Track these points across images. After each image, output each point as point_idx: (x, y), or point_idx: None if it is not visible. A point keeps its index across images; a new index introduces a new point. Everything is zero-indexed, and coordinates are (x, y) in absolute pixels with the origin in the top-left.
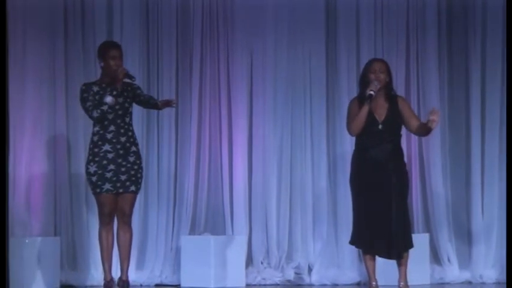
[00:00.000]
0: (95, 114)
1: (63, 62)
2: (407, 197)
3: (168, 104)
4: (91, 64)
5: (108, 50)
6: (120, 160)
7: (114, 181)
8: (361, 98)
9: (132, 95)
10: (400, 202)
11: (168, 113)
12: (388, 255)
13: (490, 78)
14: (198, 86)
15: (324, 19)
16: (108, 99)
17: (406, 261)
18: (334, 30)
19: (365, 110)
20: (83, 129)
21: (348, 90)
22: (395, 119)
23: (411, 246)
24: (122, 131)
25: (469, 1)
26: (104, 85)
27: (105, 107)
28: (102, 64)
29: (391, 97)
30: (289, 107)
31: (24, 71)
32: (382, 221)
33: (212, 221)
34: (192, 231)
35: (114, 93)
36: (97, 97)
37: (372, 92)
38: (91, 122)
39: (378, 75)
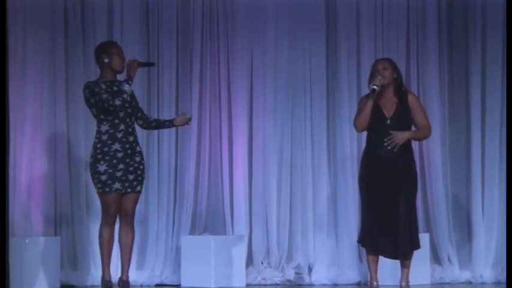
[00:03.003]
0: (117, 102)
1: (64, 62)
2: (415, 197)
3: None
4: (91, 64)
5: (111, 46)
6: (128, 160)
7: (123, 180)
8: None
9: (134, 102)
10: (408, 202)
11: (168, 112)
12: (394, 256)
13: (490, 77)
14: (198, 86)
15: (324, 19)
16: (126, 87)
17: (410, 262)
18: (334, 30)
19: (369, 105)
20: (84, 129)
21: (349, 90)
22: (404, 115)
23: (418, 247)
24: (130, 130)
25: (469, 1)
26: (108, 83)
27: (124, 95)
28: (106, 60)
29: (401, 93)
30: (290, 106)
31: (24, 71)
32: (388, 221)
33: (212, 221)
34: (192, 231)
35: (130, 82)
36: (108, 90)
37: (375, 87)
38: (92, 121)
39: (382, 73)
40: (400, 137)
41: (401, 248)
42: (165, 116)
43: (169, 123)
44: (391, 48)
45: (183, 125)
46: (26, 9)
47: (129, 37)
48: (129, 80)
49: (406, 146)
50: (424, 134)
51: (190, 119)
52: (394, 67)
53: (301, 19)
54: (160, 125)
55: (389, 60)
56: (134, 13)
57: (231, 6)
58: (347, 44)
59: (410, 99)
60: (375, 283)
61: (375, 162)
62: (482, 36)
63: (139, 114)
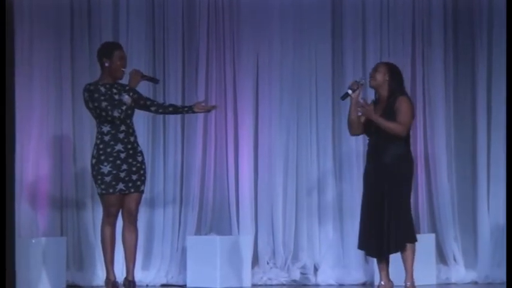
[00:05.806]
0: (116, 114)
1: (70, 62)
2: (402, 198)
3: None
4: (97, 64)
5: (114, 50)
6: (130, 160)
7: (127, 181)
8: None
9: (136, 96)
10: (392, 204)
11: None
12: (377, 256)
13: (496, 78)
14: (204, 86)
15: (330, 19)
16: (126, 98)
17: (412, 262)
18: (340, 31)
19: (350, 109)
20: (89, 130)
21: None
22: (387, 119)
23: (399, 249)
24: (131, 131)
25: (475, 3)
26: (108, 85)
27: (124, 107)
28: (107, 64)
29: (392, 99)
30: (295, 107)
31: (30, 71)
32: (373, 222)
33: (218, 221)
34: (198, 231)
35: (131, 94)
36: (107, 97)
37: (348, 91)
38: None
39: (373, 75)
40: (369, 112)
41: (383, 249)
42: (171, 118)
43: (189, 109)
44: (397, 49)
45: (203, 112)
46: (32, 10)
47: (135, 37)
48: (130, 91)
49: (395, 147)
50: (394, 127)
51: (213, 107)
52: (389, 71)
53: (307, 21)
54: (177, 110)
55: (385, 64)
56: (140, 14)
57: (236, 7)
58: (352, 45)
59: (397, 102)
60: (382, 282)
61: (366, 165)
62: (487, 37)
63: (149, 103)
